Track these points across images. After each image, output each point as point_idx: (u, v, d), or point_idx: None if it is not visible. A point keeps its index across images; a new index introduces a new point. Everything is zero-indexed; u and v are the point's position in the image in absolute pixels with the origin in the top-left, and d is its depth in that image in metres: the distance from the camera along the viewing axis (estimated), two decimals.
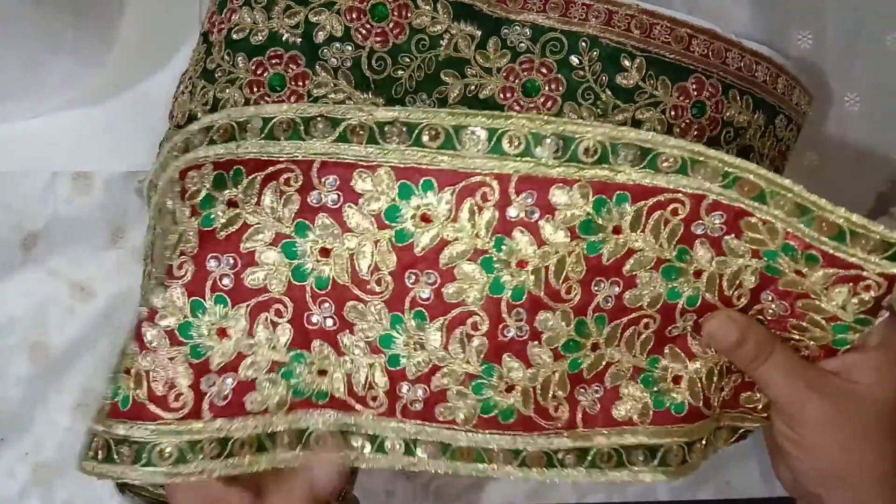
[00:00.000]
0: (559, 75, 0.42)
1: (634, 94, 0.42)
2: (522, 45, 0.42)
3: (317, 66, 0.42)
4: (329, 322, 0.32)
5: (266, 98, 0.41)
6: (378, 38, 0.42)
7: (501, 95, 0.43)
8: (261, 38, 0.42)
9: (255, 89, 0.41)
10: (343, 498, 0.46)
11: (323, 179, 0.31)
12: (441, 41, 0.42)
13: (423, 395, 0.33)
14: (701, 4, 0.53)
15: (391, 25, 0.42)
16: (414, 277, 0.32)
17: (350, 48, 0.42)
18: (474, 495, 0.53)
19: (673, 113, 0.43)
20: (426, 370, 0.33)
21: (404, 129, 0.31)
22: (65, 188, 0.49)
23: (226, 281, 0.31)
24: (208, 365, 0.31)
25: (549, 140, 0.31)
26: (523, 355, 0.33)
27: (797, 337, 0.37)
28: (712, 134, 0.44)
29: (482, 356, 0.32)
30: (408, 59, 0.42)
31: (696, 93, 0.43)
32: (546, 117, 0.32)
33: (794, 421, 0.38)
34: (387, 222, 0.31)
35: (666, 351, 0.35)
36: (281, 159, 0.31)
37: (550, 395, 0.34)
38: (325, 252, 0.31)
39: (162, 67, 0.50)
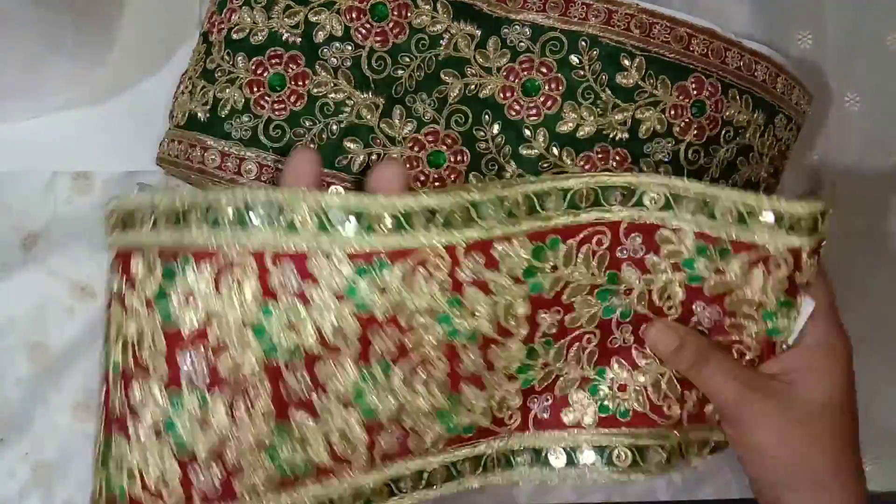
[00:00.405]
0: (559, 75, 0.42)
1: (634, 94, 0.42)
2: (522, 44, 0.43)
3: (317, 66, 0.42)
4: (302, 387, 0.32)
5: (266, 98, 0.41)
6: (378, 38, 0.42)
7: (501, 95, 0.43)
8: (261, 37, 0.42)
9: (255, 89, 0.41)
10: None
11: (279, 265, 0.31)
12: (441, 41, 0.42)
13: (400, 435, 0.35)
14: (701, 4, 0.53)
15: (391, 25, 0.42)
16: (378, 336, 0.33)
17: (350, 48, 0.42)
18: (475, 496, 0.53)
19: (672, 112, 0.43)
20: (397, 412, 0.34)
21: (354, 218, 0.32)
22: (65, 188, 0.49)
23: (199, 372, 0.31)
24: (196, 456, 0.31)
25: (488, 206, 0.35)
26: (479, 383, 0.36)
27: (736, 338, 0.39)
28: (711, 133, 0.44)
29: (444, 390, 0.35)
30: (408, 59, 0.42)
31: (695, 92, 0.43)
32: (478, 185, 0.35)
33: (737, 423, 0.39)
34: (347, 297, 0.32)
35: (612, 362, 0.39)
36: (230, 248, 0.31)
37: (506, 408, 0.37)
38: (291, 326, 0.32)
39: (162, 67, 0.50)
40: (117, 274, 0.32)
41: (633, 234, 0.38)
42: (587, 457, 0.38)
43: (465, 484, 0.37)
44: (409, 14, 0.42)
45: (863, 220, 0.57)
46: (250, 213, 0.30)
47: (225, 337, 0.31)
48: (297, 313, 0.32)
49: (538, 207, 0.36)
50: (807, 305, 0.39)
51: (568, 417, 0.39)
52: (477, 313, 0.35)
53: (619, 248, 0.38)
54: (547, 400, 0.38)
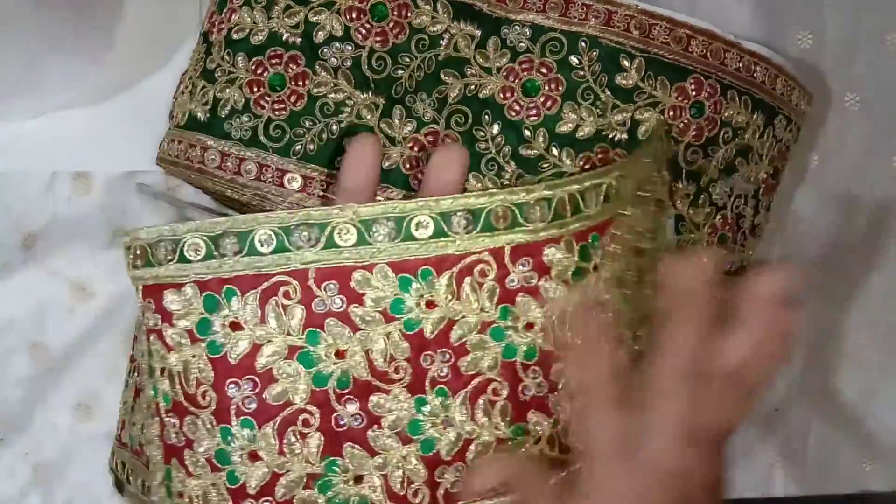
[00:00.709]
0: (559, 75, 0.42)
1: (633, 95, 0.42)
2: (522, 44, 0.42)
3: (317, 66, 0.42)
4: (357, 421, 0.32)
5: (266, 98, 0.41)
6: (378, 38, 0.42)
7: (501, 95, 0.43)
8: (261, 37, 0.42)
9: (255, 89, 0.41)
10: None
11: (322, 286, 0.31)
12: (441, 41, 0.42)
13: (462, 474, 0.33)
14: (701, 5, 0.53)
15: (391, 25, 0.42)
16: (429, 359, 0.32)
17: (350, 48, 0.42)
18: None
19: (672, 113, 0.43)
20: (460, 447, 0.33)
21: (392, 224, 0.31)
22: (65, 188, 0.49)
23: (249, 403, 0.31)
24: (246, 490, 0.31)
25: (534, 209, 0.32)
26: (545, 408, 0.34)
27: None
28: (710, 134, 0.44)
29: (509, 420, 0.33)
30: (408, 59, 0.42)
31: (694, 93, 0.43)
32: (532, 186, 0.32)
33: None
34: (393, 315, 0.31)
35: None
36: (272, 273, 0.30)
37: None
38: (340, 354, 0.31)
39: (162, 67, 0.50)
40: (150, 310, 0.31)
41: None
42: None
43: None
44: (409, 14, 0.42)
45: (863, 220, 0.57)
46: (290, 234, 0.30)
47: (272, 366, 0.31)
48: (344, 338, 0.31)
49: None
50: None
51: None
52: (534, 327, 0.33)
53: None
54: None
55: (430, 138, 0.42)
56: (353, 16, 0.42)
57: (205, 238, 0.30)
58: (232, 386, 0.31)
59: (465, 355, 0.32)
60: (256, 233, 0.30)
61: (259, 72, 0.41)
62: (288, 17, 0.42)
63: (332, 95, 0.42)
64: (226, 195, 0.44)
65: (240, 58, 0.42)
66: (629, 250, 0.36)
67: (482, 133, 0.43)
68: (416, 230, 0.31)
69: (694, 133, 0.43)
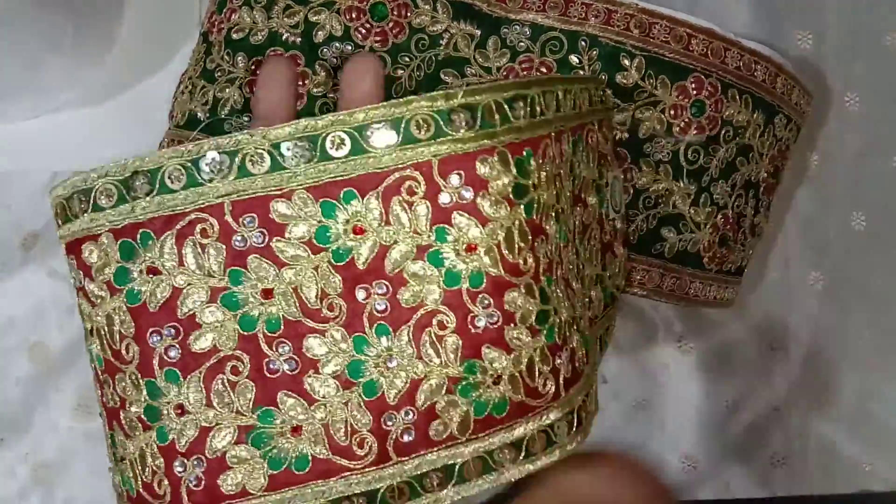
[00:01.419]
0: (559, 74, 0.42)
1: (634, 94, 0.42)
2: (522, 44, 0.43)
3: (316, 66, 0.42)
4: (290, 365, 0.29)
5: None
6: (377, 38, 0.42)
7: None
8: (260, 37, 0.42)
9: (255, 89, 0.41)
10: None
11: (240, 220, 0.28)
12: (441, 40, 0.42)
13: (411, 418, 0.30)
14: (702, 4, 0.54)
15: (391, 25, 0.42)
16: (365, 292, 0.29)
17: (350, 47, 0.42)
18: (474, 496, 0.53)
19: (672, 112, 0.43)
20: (407, 388, 0.29)
21: (306, 144, 0.28)
22: None
23: (172, 353, 0.28)
24: (175, 447, 0.29)
25: (457, 114, 0.29)
26: (502, 342, 0.30)
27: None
28: (711, 133, 0.44)
29: (459, 355, 0.30)
30: (407, 59, 0.42)
31: (695, 92, 0.43)
32: (446, 91, 0.29)
33: None
34: (320, 245, 0.29)
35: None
36: (187, 210, 0.28)
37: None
38: (267, 293, 0.28)
39: (162, 67, 0.50)
40: (74, 268, 0.29)
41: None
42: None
43: (505, 476, 0.31)
44: (408, 14, 0.42)
45: (863, 220, 0.57)
46: (199, 166, 0.28)
47: (194, 311, 0.28)
48: (269, 275, 0.28)
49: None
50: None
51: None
52: (478, 248, 0.29)
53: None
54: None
55: None
56: (353, 16, 0.42)
57: (115, 182, 0.28)
58: (154, 335, 0.28)
59: (403, 285, 0.29)
60: (165, 169, 0.28)
61: (259, 72, 0.41)
62: (288, 16, 0.42)
63: (332, 95, 0.42)
64: None
65: (239, 58, 0.42)
66: (567, 189, 0.33)
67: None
68: (333, 149, 0.28)
69: (695, 132, 0.43)
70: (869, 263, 0.57)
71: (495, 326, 0.30)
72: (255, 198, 0.28)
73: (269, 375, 0.29)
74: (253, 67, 0.41)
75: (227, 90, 0.42)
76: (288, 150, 0.28)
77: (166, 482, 0.29)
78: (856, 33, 0.56)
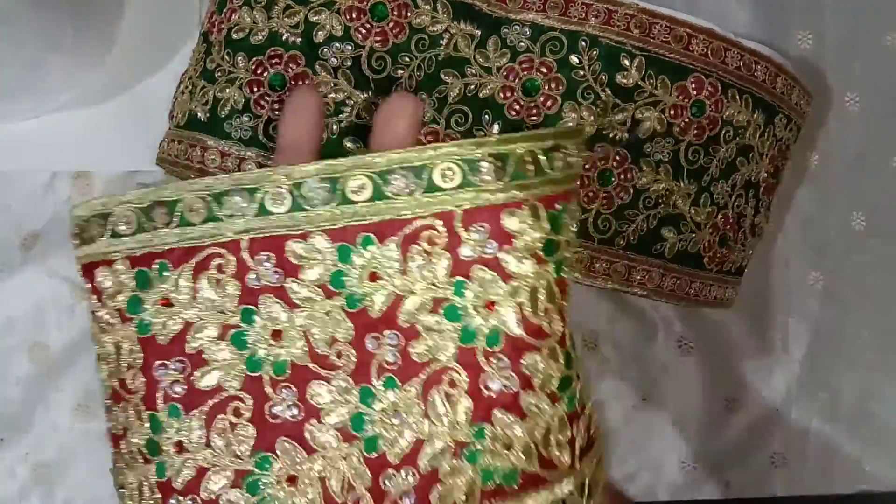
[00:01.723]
0: (559, 74, 0.42)
1: (634, 94, 0.42)
2: (522, 44, 0.42)
3: (317, 66, 0.42)
4: (293, 411, 0.28)
5: (266, 98, 0.41)
6: (378, 38, 0.42)
7: (501, 95, 0.43)
8: (261, 37, 0.42)
9: (255, 89, 0.41)
10: None
11: (256, 258, 0.28)
12: (441, 40, 0.42)
13: (412, 482, 0.28)
14: (702, 4, 0.54)
15: (391, 25, 0.42)
16: (375, 342, 0.28)
17: (350, 47, 0.42)
18: None
19: (672, 112, 0.43)
20: (410, 449, 0.28)
21: (327, 185, 0.27)
22: (65, 188, 0.49)
23: (177, 388, 0.28)
24: (171, 485, 0.28)
25: (483, 163, 0.28)
26: (517, 408, 0.29)
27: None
28: (711, 133, 0.44)
29: (469, 418, 0.28)
30: (408, 59, 0.42)
31: (695, 92, 0.43)
32: (474, 140, 0.28)
33: None
34: (333, 289, 0.28)
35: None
36: (204, 244, 0.28)
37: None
38: (276, 335, 0.28)
39: (162, 67, 0.50)
40: (89, 291, 0.29)
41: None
42: None
43: None
44: (409, 14, 0.42)
45: (863, 220, 0.57)
46: (221, 202, 0.27)
47: (203, 347, 0.28)
48: (280, 317, 0.28)
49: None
50: None
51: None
52: (496, 306, 0.28)
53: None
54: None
55: (430, 138, 0.42)
56: (353, 15, 0.42)
57: (135, 210, 0.28)
58: (160, 368, 0.28)
59: (415, 338, 0.28)
60: (185, 201, 0.27)
61: (259, 72, 0.41)
62: (288, 16, 0.42)
63: (332, 95, 0.42)
64: None
65: (240, 58, 0.42)
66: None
67: (482, 133, 0.43)
68: (354, 193, 0.27)
69: (695, 132, 0.43)
70: (869, 263, 0.57)
71: (511, 390, 0.28)
72: (273, 237, 0.27)
73: (270, 420, 0.28)
74: (253, 67, 0.41)
75: (228, 90, 0.42)
76: (309, 190, 0.27)
77: None
78: (856, 33, 0.56)
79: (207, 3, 0.45)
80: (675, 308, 0.55)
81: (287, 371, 0.28)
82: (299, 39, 0.42)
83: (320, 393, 0.28)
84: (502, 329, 0.28)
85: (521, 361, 0.28)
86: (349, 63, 0.42)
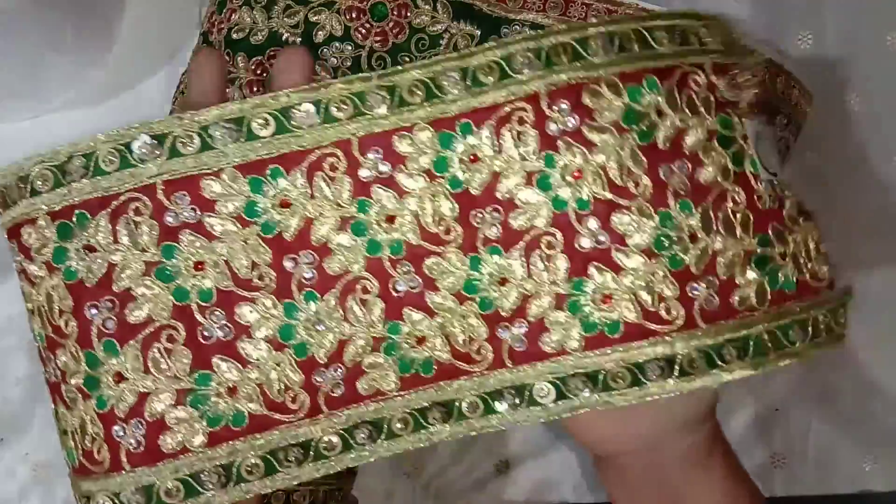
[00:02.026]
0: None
1: None
2: None
3: (316, 66, 0.42)
4: (224, 331, 0.31)
5: None
6: (378, 38, 0.42)
7: None
8: (260, 37, 0.42)
9: (255, 89, 0.41)
10: (342, 498, 0.46)
11: (172, 198, 0.30)
12: (441, 40, 0.42)
13: (340, 374, 0.31)
14: (701, 4, 0.54)
15: (391, 25, 0.42)
16: (293, 262, 0.31)
17: (350, 47, 0.42)
18: (475, 496, 0.53)
19: None
20: (335, 348, 0.31)
21: (233, 125, 0.30)
22: None
23: (109, 324, 0.30)
24: (115, 413, 0.30)
25: (374, 95, 0.30)
26: (424, 306, 0.32)
27: (720, 185, 0.32)
28: None
29: (383, 317, 0.31)
30: (407, 59, 0.42)
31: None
32: (362, 75, 0.30)
33: None
34: (249, 219, 0.30)
35: (591, 271, 0.31)
36: (121, 191, 0.30)
37: (468, 339, 0.32)
38: (199, 265, 0.30)
39: (162, 67, 0.50)
40: (15, 251, 0.31)
41: (558, 102, 0.30)
42: (578, 386, 0.31)
43: (436, 435, 0.32)
44: (408, 14, 0.42)
45: (863, 220, 0.57)
46: (131, 148, 0.29)
47: (129, 285, 0.30)
48: (200, 249, 0.30)
49: (436, 91, 0.30)
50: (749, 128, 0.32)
51: (548, 345, 0.32)
52: (397, 219, 0.31)
53: (546, 123, 0.30)
54: (520, 327, 0.32)
55: None
56: (353, 15, 0.42)
57: (51, 167, 0.30)
58: (91, 309, 0.30)
59: (328, 255, 0.31)
60: (99, 151, 0.29)
61: (259, 72, 0.41)
62: (288, 16, 0.42)
63: None
64: None
65: (239, 58, 0.42)
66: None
67: None
68: (259, 129, 0.30)
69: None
70: (869, 263, 0.57)
71: (416, 291, 0.32)
72: (187, 177, 0.30)
73: (203, 342, 0.30)
74: (253, 67, 0.41)
75: (227, 90, 0.42)
76: (216, 131, 0.30)
77: (105, 448, 0.30)
78: (856, 33, 0.56)
79: (207, 3, 0.45)
80: None
81: (213, 297, 0.30)
82: (299, 39, 0.42)
83: (247, 312, 0.30)
84: (404, 240, 0.31)
85: (612, 219, 0.31)
86: (349, 63, 0.42)
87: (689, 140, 0.31)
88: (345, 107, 0.30)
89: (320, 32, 0.42)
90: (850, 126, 0.56)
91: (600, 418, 0.33)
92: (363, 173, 0.31)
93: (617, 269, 0.31)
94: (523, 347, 0.32)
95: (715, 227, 0.31)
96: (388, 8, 0.42)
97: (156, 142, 0.29)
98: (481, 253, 0.31)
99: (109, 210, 0.30)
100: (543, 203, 0.31)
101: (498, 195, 0.31)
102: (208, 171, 0.30)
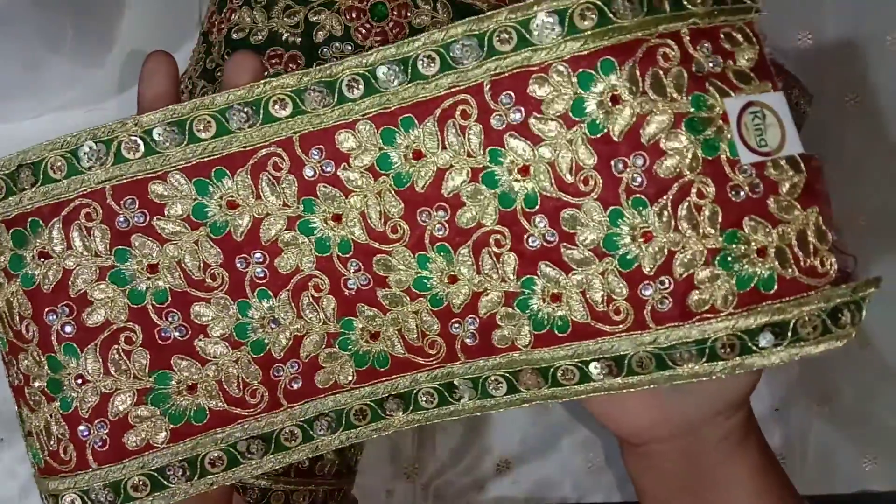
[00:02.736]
0: None
1: None
2: None
3: (316, 66, 0.42)
4: (180, 332, 0.31)
5: None
6: (378, 38, 0.42)
7: None
8: (260, 37, 0.42)
9: None
10: (342, 498, 0.46)
11: (121, 203, 0.31)
12: None
13: (297, 369, 0.32)
14: None
15: (391, 25, 0.42)
16: (244, 262, 0.31)
17: (350, 47, 0.42)
18: (474, 496, 0.53)
19: None
20: (291, 344, 0.32)
21: (175, 129, 0.30)
22: None
23: (68, 329, 0.31)
24: (79, 414, 0.31)
25: (311, 92, 0.30)
26: (375, 302, 0.32)
27: (677, 179, 0.29)
28: None
29: (336, 314, 0.32)
30: None
31: None
32: (301, 71, 0.30)
33: None
34: (198, 220, 0.31)
35: (540, 269, 0.30)
36: (71, 198, 0.30)
37: (421, 334, 0.32)
38: (152, 268, 0.31)
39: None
40: None
41: (501, 94, 0.29)
42: (528, 379, 0.32)
43: (395, 424, 0.33)
44: (408, 14, 0.42)
45: (863, 220, 0.57)
46: (78, 155, 0.30)
47: (85, 289, 0.31)
48: (153, 251, 0.31)
49: (374, 85, 0.30)
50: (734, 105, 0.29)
51: (499, 340, 0.32)
52: (343, 218, 0.31)
53: (492, 116, 0.29)
54: (471, 323, 0.32)
55: None
56: (353, 16, 0.42)
57: (2, 177, 0.31)
58: (50, 315, 0.31)
59: (279, 254, 0.31)
60: (47, 160, 0.30)
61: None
62: (288, 16, 0.42)
63: None
64: None
65: None
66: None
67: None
68: (199, 131, 0.30)
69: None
70: (869, 262, 0.57)
71: (366, 289, 0.32)
72: (134, 181, 0.30)
73: (161, 342, 0.31)
74: None
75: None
76: (159, 135, 0.30)
77: (72, 447, 0.31)
78: (856, 33, 0.56)
79: (207, 3, 0.45)
80: None
81: (168, 298, 0.31)
82: (299, 39, 0.42)
83: (202, 312, 0.31)
84: (352, 239, 0.31)
85: (561, 216, 0.30)
86: None
87: (650, 128, 0.28)
88: (284, 105, 0.30)
89: (320, 32, 0.42)
90: (849, 126, 0.57)
91: (639, 405, 0.33)
92: (307, 172, 0.31)
93: (566, 267, 0.30)
94: (475, 342, 0.32)
95: (673, 225, 0.28)
96: (388, 8, 0.42)
97: (102, 147, 0.30)
98: (429, 251, 0.31)
99: (61, 216, 0.30)
100: (490, 200, 0.30)
101: (444, 192, 0.30)
102: (153, 175, 0.30)
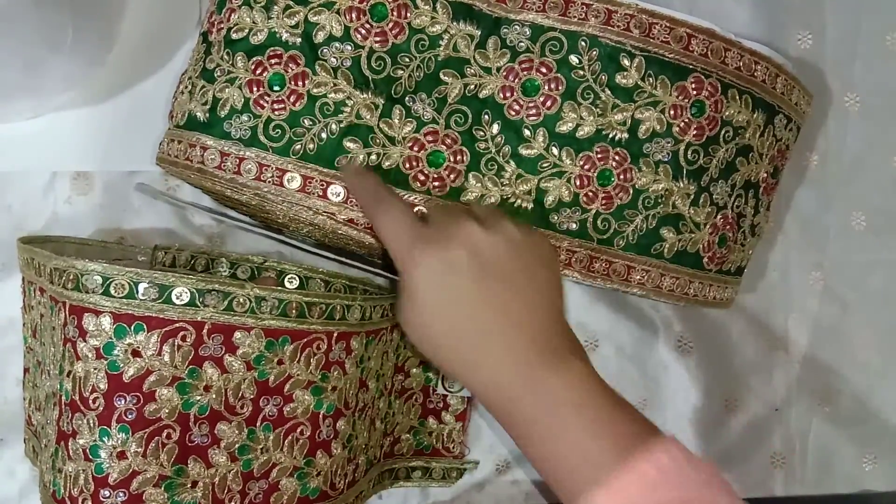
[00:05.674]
0: (559, 75, 0.42)
1: (634, 94, 0.42)
2: (522, 44, 0.42)
3: (316, 66, 0.42)
4: (203, 440, 0.40)
5: (266, 98, 0.41)
6: (377, 38, 0.42)
7: (501, 95, 0.43)
8: (260, 37, 0.42)
9: (255, 89, 0.41)
10: None
11: (211, 337, 0.39)
12: (440, 41, 0.42)
13: (264, 486, 0.42)
14: (701, 4, 0.54)
15: (390, 25, 0.42)
16: (266, 401, 0.41)
17: (350, 48, 0.42)
18: (474, 496, 0.53)
19: (672, 112, 0.43)
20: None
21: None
22: (65, 188, 0.49)
23: (129, 414, 0.38)
24: (108, 481, 0.39)
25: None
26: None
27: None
28: (711, 133, 0.44)
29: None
30: (407, 59, 0.42)
31: (695, 92, 0.43)
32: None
33: (405, 272, 0.40)
34: (253, 365, 0.40)
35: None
36: (175, 319, 0.38)
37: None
38: (207, 388, 0.39)
39: (162, 67, 0.50)
40: (73, 325, 0.38)
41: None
42: None
43: None
44: (408, 14, 0.42)
45: (863, 219, 0.57)
46: (202, 295, 0.38)
47: (155, 388, 0.38)
48: (214, 377, 0.39)
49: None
50: None
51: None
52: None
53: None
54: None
55: (430, 138, 0.43)
56: (353, 16, 0.42)
57: (129, 281, 0.38)
58: (120, 399, 0.38)
59: (291, 402, 0.42)
60: (175, 288, 0.38)
61: (258, 72, 0.41)
62: (287, 16, 0.42)
63: (332, 95, 0.42)
64: (225, 195, 0.44)
65: (239, 58, 0.42)
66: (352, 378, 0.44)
67: (482, 133, 0.43)
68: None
69: (695, 132, 0.43)
70: (869, 263, 0.57)
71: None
72: (227, 325, 0.39)
73: (188, 443, 0.40)
74: (253, 67, 0.41)
75: (227, 90, 0.42)
76: (259, 298, 0.40)
77: (90, 501, 0.39)
78: (856, 33, 0.56)
79: (207, 3, 0.45)
80: (674, 308, 0.55)
81: (207, 412, 0.40)
82: (299, 39, 0.42)
83: (224, 430, 0.40)
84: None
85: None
86: (349, 63, 0.42)
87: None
88: (214, 298, 0.39)
89: (320, 32, 0.42)
90: (849, 126, 0.57)
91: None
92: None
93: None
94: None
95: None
96: (388, 8, 0.42)
97: (220, 296, 0.39)
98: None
99: (163, 330, 0.38)
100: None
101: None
102: (243, 327, 0.40)
